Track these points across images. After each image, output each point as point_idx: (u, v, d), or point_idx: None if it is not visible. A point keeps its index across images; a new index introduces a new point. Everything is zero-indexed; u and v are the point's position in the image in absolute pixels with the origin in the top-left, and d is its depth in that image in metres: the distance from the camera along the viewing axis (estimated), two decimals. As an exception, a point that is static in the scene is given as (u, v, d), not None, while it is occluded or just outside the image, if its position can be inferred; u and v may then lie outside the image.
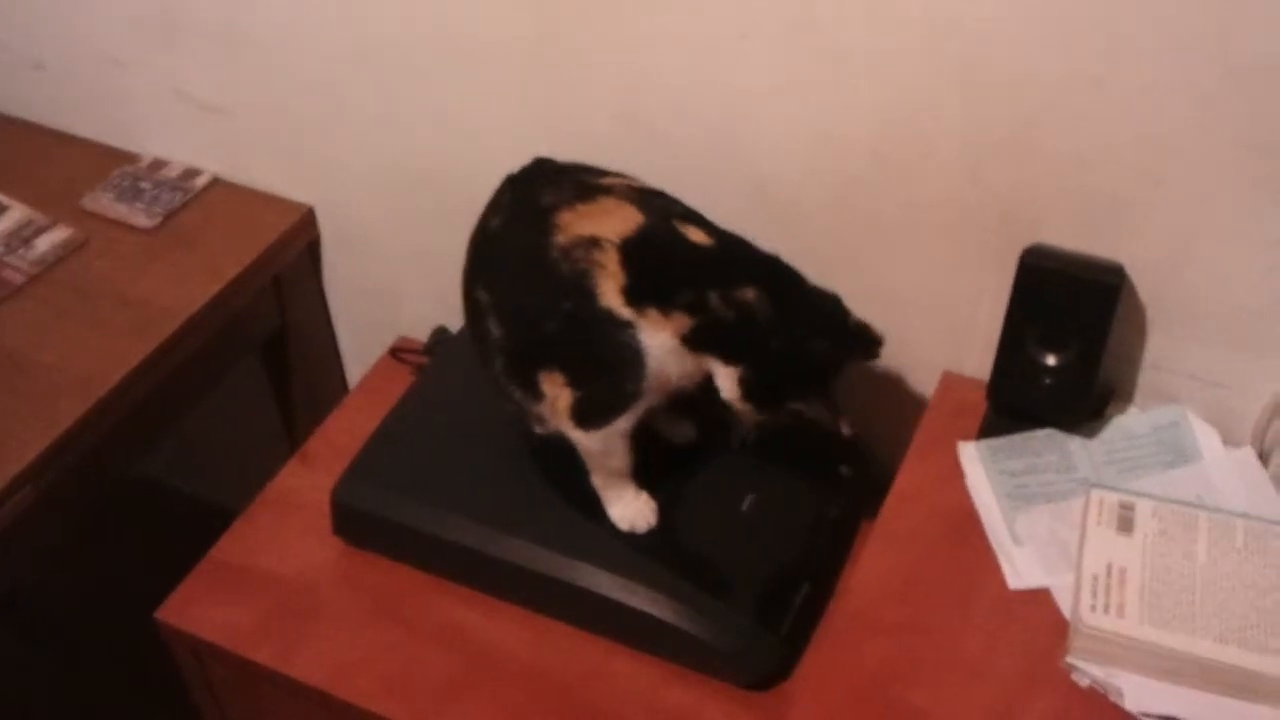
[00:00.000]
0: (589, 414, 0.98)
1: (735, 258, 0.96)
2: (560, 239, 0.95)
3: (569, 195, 0.98)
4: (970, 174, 1.01)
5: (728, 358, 0.95)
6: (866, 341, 0.98)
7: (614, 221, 0.95)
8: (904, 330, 1.13)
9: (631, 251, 0.93)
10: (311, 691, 1.04)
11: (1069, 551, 0.95)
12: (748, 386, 0.95)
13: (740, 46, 1.02)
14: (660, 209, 0.97)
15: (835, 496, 1.14)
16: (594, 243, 0.94)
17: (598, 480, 1.05)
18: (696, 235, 0.95)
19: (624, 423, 0.99)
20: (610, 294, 0.93)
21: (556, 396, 0.99)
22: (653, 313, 0.93)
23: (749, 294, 0.93)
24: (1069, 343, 1.00)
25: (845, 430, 0.98)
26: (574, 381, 0.98)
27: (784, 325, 0.94)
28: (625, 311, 0.93)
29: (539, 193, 0.99)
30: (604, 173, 1.03)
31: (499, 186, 1.05)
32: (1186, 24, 0.86)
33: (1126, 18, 0.88)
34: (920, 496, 1.02)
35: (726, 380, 0.96)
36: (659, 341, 0.94)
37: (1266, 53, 0.86)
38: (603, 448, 1.01)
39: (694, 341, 0.94)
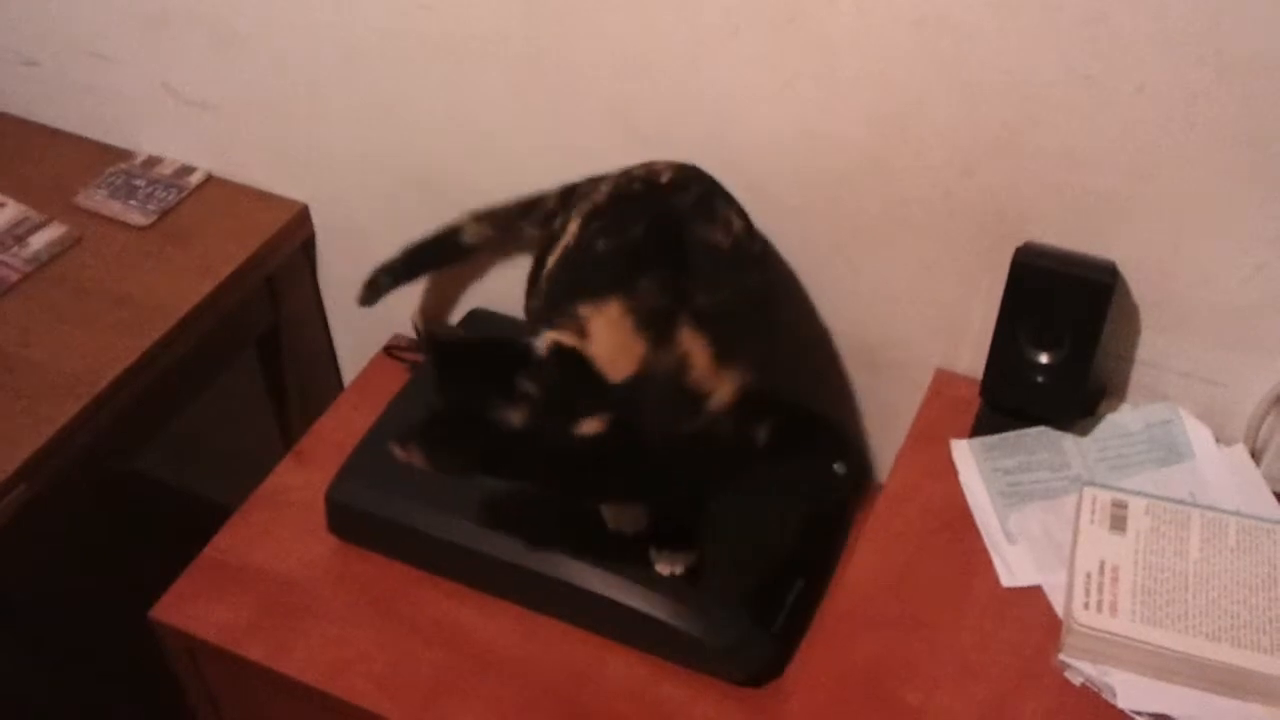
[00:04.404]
0: None
1: None
2: None
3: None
4: (962, 172, 1.01)
5: None
6: None
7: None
8: (897, 328, 1.13)
9: None
10: (305, 689, 1.05)
11: (1062, 549, 0.95)
12: None
13: (732, 44, 1.02)
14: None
15: (828, 494, 1.14)
16: None
17: None
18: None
19: None
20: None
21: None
22: None
23: None
24: (1062, 341, 1.00)
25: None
26: None
27: None
28: None
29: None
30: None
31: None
32: (1177, 21, 0.86)
33: (1117, 15, 0.88)
34: (913, 494, 1.02)
35: None
36: None
37: (1257, 50, 0.86)
38: None
39: None
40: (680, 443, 0.93)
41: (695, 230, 0.98)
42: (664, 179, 1.02)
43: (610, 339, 0.91)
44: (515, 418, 0.89)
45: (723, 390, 0.93)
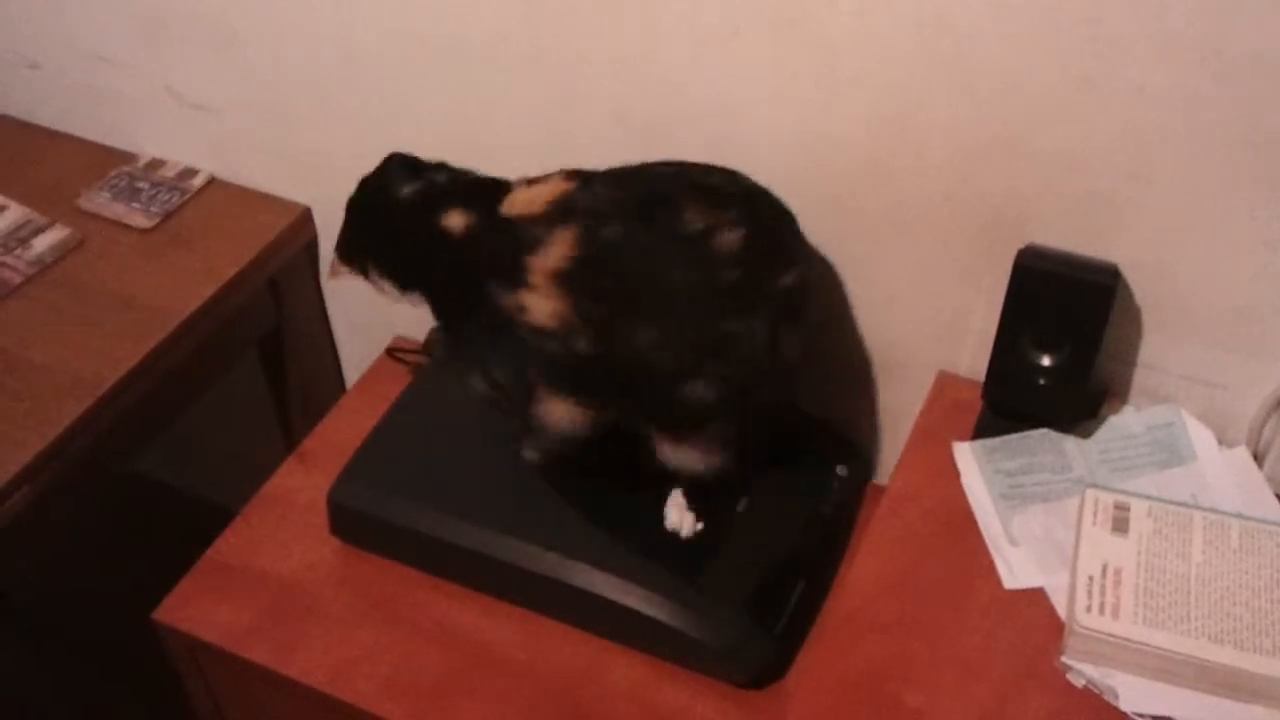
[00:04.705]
0: None
1: None
2: None
3: None
4: (962, 174, 1.01)
5: None
6: None
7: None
8: (899, 330, 1.13)
9: None
10: (309, 691, 1.05)
11: (1064, 551, 0.95)
12: None
13: (732, 45, 1.02)
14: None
15: (830, 495, 1.14)
16: None
17: None
18: None
19: None
20: None
21: None
22: None
23: None
24: (1064, 343, 1.00)
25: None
26: None
27: None
28: None
29: None
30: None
31: None
32: (1177, 21, 0.86)
33: (1117, 16, 0.88)
34: (915, 496, 1.02)
35: None
36: None
37: (1257, 51, 0.85)
38: None
39: None
40: (497, 310, 0.98)
41: (678, 198, 0.97)
42: (717, 168, 1.03)
43: (533, 192, 0.99)
44: (405, 190, 1.03)
45: (540, 296, 0.96)
